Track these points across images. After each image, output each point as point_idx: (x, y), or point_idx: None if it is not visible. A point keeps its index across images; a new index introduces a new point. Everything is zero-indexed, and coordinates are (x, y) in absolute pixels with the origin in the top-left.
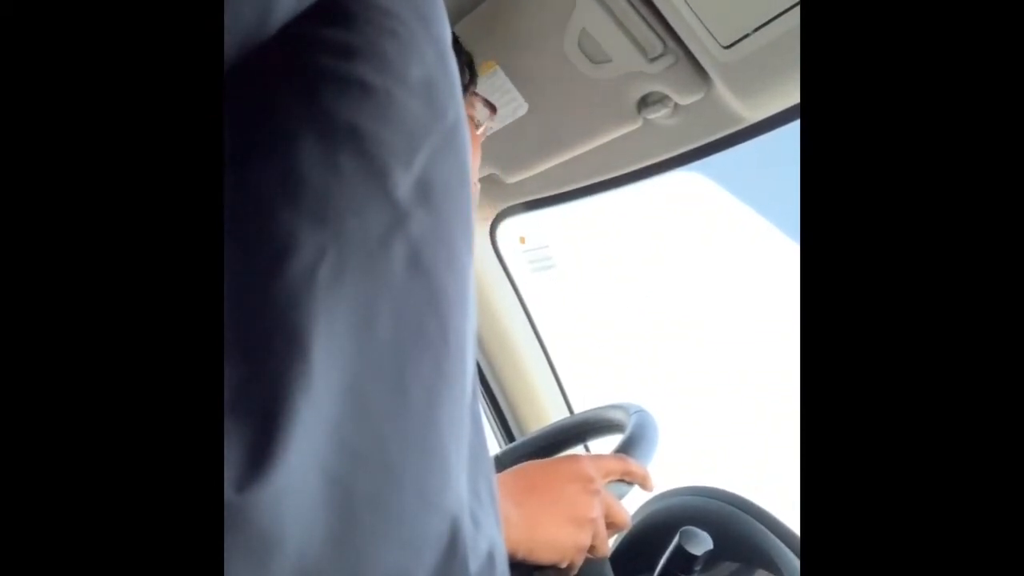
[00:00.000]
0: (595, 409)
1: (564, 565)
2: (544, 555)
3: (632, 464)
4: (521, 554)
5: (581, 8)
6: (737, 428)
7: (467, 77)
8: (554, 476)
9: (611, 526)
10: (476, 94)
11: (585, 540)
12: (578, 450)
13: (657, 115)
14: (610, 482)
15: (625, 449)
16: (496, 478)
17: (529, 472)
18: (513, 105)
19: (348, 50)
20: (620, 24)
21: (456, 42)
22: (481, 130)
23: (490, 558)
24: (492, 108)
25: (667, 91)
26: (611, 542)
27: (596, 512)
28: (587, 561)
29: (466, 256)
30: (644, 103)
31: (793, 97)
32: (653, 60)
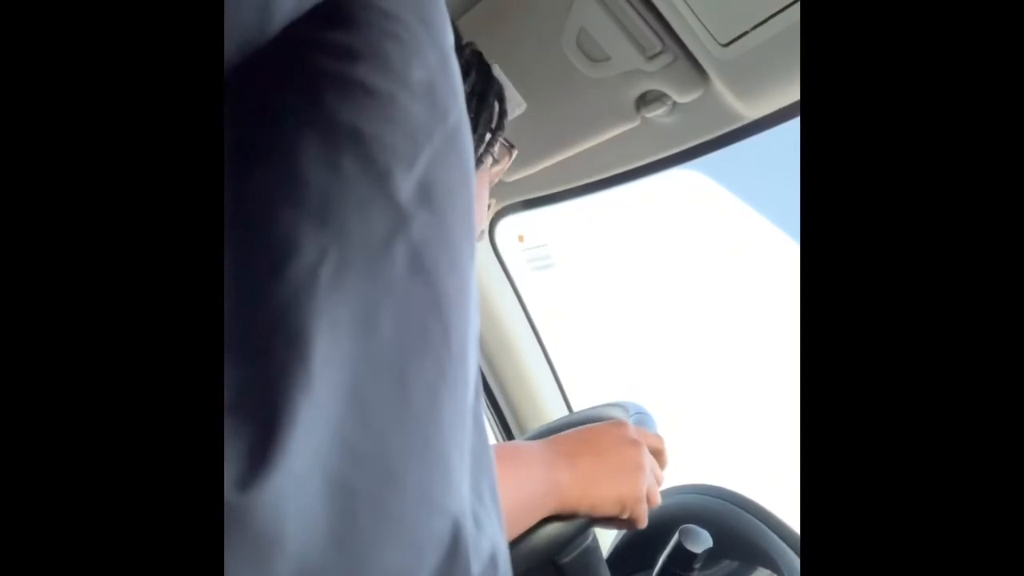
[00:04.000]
0: (595, 407)
1: (626, 516)
2: (605, 508)
3: (655, 436)
4: (584, 511)
5: (579, 7)
6: (737, 426)
7: (496, 114)
8: (599, 435)
9: (658, 481)
10: (502, 133)
11: (641, 488)
12: None
13: (655, 113)
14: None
15: None
16: (542, 443)
17: (573, 437)
18: (511, 104)
19: (350, 52)
20: (618, 22)
21: (489, 74)
22: (497, 168)
23: (493, 559)
24: (511, 148)
25: (665, 89)
26: (610, 541)
27: (645, 461)
28: (583, 558)
29: (468, 258)
30: (642, 101)
31: (792, 95)
32: (651, 58)
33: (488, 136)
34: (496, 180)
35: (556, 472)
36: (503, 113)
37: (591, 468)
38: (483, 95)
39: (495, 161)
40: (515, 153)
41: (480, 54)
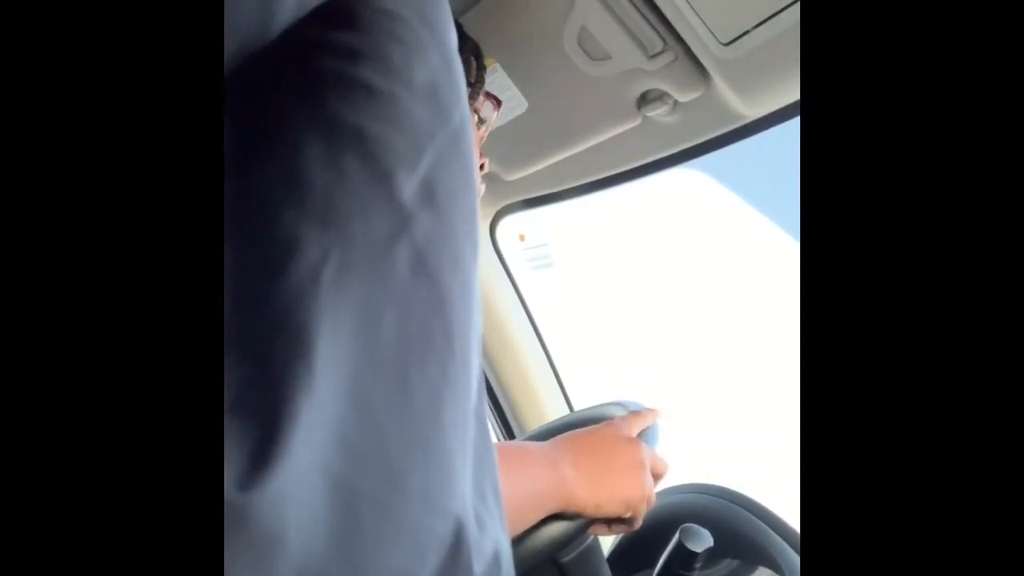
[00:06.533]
0: (595, 406)
1: (629, 515)
2: (611, 508)
3: (642, 413)
4: (589, 511)
5: (580, 5)
6: (737, 426)
7: (474, 69)
8: (599, 436)
9: (655, 476)
10: (481, 87)
11: (644, 486)
12: None
13: (657, 112)
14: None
15: None
16: (544, 443)
17: (574, 438)
18: (513, 103)
19: (353, 53)
20: (620, 21)
21: (461, 32)
22: (484, 128)
23: (495, 559)
24: (497, 103)
25: (667, 88)
26: (611, 539)
27: (645, 457)
28: (584, 556)
29: (471, 259)
30: (644, 100)
31: (793, 94)
32: (653, 57)
33: (467, 91)
34: (484, 139)
35: (560, 470)
36: (481, 67)
37: (595, 468)
38: None
39: (481, 120)
40: (502, 107)
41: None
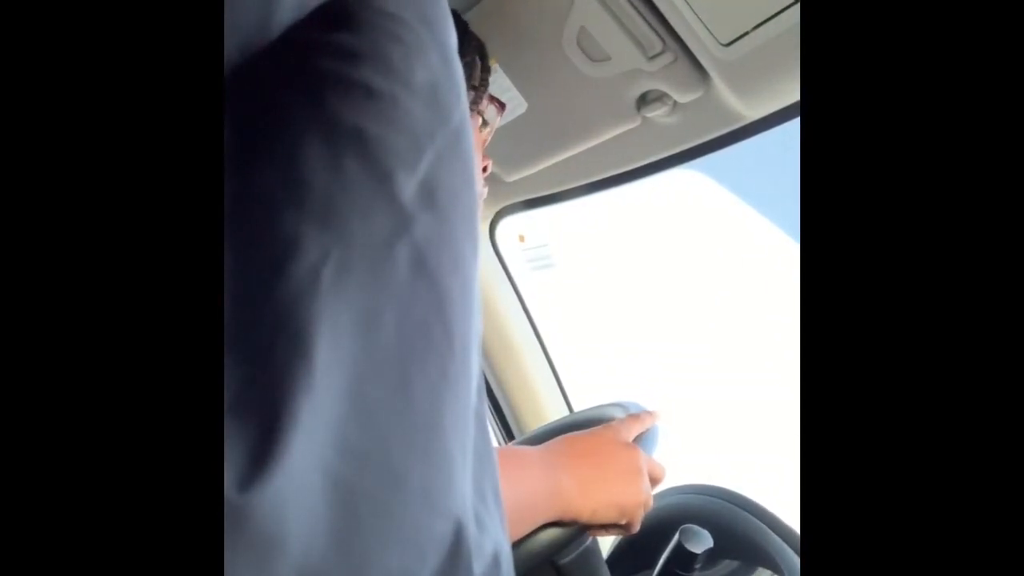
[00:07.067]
0: (594, 407)
1: (624, 522)
2: (607, 515)
3: (640, 417)
4: (585, 518)
5: (580, 6)
6: (737, 426)
7: (479, 71)
8: (596, 441)
9: (653, 481)
10: (485, 90)
11: (641, 493)
12: None
13: (656, 113)
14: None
15: None
16: (542, 449)
17: (571, 442)
18: (512, 103)
19: (353, 54)
20: (619, 22)
21: (467, 31)
22: (487, 130)
23: (495, 560)
24: (501, 106)
25: (666, 89)
26: (610, 540)
27: (643, 463)
28: (582, 558)
29: (471, 259)
30: (643, 101)
31: (792, 95)
32: (652, 58)
33: (472, 94)
34: (487, 142)
35: (556, 477)
36: (486, 69)
37: (591, 474)
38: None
39: (484, 122)
40: (506, 110)
41: (455, 12)
